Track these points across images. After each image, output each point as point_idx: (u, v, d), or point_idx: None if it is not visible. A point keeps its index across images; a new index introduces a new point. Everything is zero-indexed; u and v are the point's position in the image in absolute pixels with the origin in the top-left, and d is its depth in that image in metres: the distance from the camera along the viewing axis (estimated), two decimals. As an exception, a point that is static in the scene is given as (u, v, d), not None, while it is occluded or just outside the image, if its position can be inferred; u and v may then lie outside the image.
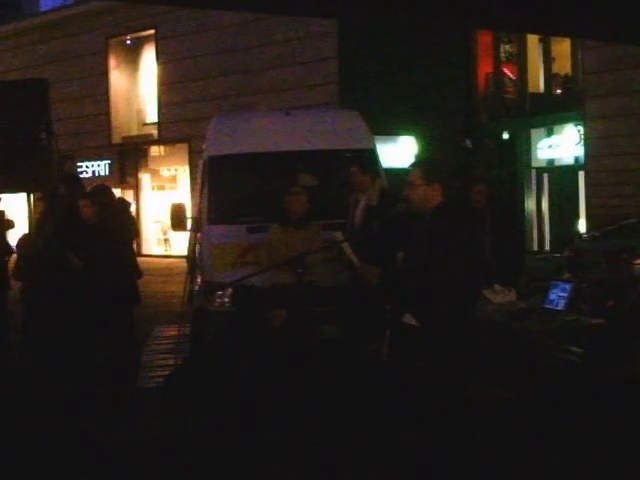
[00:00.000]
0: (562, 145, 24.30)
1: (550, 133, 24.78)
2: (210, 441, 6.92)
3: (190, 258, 10.66)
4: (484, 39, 26.10)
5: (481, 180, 9.02)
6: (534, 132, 25.18)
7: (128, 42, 31.55)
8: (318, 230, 9.08)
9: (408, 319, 5.01)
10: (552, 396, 6.30)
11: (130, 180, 31.29)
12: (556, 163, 24.98)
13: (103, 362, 9.28)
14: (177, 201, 11.40)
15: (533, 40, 24.89)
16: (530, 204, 25.04)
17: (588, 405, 6.10)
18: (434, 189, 5.13)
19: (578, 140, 23.41)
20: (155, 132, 30.92)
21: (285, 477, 6.12)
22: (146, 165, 31.39)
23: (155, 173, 31.45)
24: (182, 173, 29.88)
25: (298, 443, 6.71)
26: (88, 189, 10.72)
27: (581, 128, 23.13)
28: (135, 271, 9.99)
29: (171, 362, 10.24)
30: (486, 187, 8.79)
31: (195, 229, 10.26)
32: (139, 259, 10.90)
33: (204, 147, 11.05)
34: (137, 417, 7.89)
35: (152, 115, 31.40)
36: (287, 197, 9.11)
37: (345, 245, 5.69)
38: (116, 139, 31.73)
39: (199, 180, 10.95)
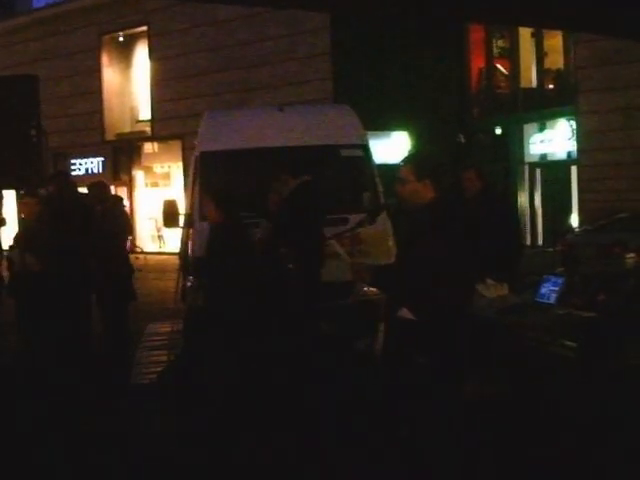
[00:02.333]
0: (554, 140, 24.32)
1: (542, 128, 24.80)
2: (204, 438, 6.94)
3: (183, 255, 10.67)
4: (477, 34, 26.11)
5: (472, 167, 8.74)
6: (527, 127, 25.19)
7: (121, 39, 31.51)
8: None
9: (404, 313, 5.00)
10: (546, 390, 6.31)
11: (123, 177, 31.29)
12: (549, 158, 24.99)
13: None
14: (169, 197, 11.39)
15: (525, 35, 24.89)
16: (523, 199, 25.06)
17: (582, 399, 6.11)
18: (425, 185, 5.10)
19: (570, 135, 23.45)
20: (148, 129, 30.92)
21: (281, 475, 6.11)
22: (139, 162, 31.37)
23: (148, 170, 31.42)
24: (175, 170, 29.87)
25: (294, 440, 6.72)
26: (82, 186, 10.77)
27: (573, 123, 23.18)
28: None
29: (164, 358, 10.24)
30: (477, 174, 8.52)
31: (187, 225, 10.26)
32: (133, 256, 10.91)
33: (196, 143, 11.04)
34: (131, 413, 7.86)
35: (145, 112, 31.37)
36: (270, 193, 9.13)
37: (333, 242, 5.68)
38: (109, 136, 31.72)
39: (191, 176, 10.95)
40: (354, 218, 8.03)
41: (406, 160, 5.38)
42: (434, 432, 4.99)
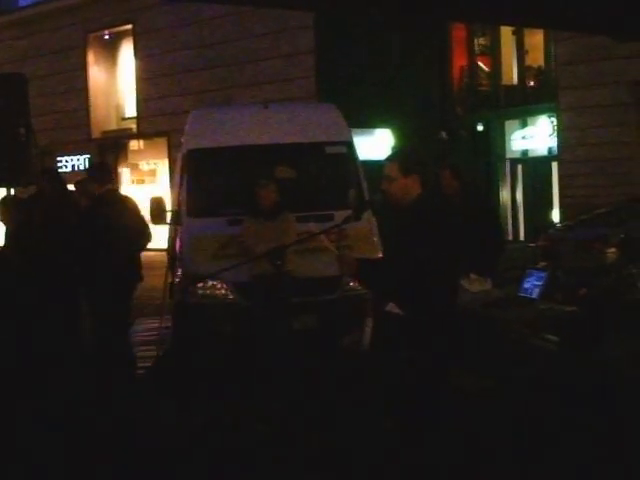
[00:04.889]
0: (536, 136, 24.49)
1: (524, 124, 24.99)
2: (193, 432, 7.00)
3: (170, 251, 10.74)
4: (458, 33, 26.20)
5: (447, 167, 8.67)
6: (508, 124, 25.38)
7: (106, 37, 31.53)
8: (291, 221, 9.18)
9: (391, 308, 5.05)
10: (529, 382, 6.43)
11: (110, 174, 31.26)
12: (530, 154, 25.16)
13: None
14: (157, 194, 11.45)
15: (506, 33, 25.01)
16: (505, 194, 25.22)
17: (563, 391, 6.22)
18: (413, 181, 5.12)
19: (551, 131, 23.60)
20: (134, 126, 30.93)
21: (269, 468, 6.16)
22: (126, 159, 31.40)
23: (135, 167, 31.46)
24: (161, 167, 29.92)
25: (282, 432, 6.81)
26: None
27: (554, 119, 23.31)
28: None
29: (153, 354, 10.25)
30: (452, 174, 8.47)
31: (175, 222, 10.32)
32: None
33: (182, 140, 11.12)
34: (121, 408, 7.88)
35: (131, 109, 31.38)
36: (255, 189, 9.24)
37: (322, 237, 5.78)
38: (95, 134, 31.71)
39: (178, 173, 11.02)
40: (339, 214, 8.09)
41: (391, 157, 5.41)
42: (420, 424, 5.05)
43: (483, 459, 5.65)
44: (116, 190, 9.06)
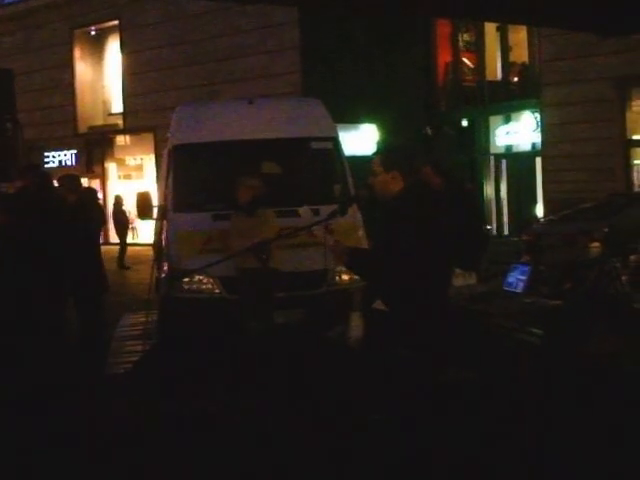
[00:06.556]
0: (520, 132, 24.62)
1: (508, 120, 25.10)
2: (180, 427, 7.03)
3: (157, 246, 10.77)
4: (443, 28, 26.32)
5: (428, 164, 8.35)
6: (492, 119, 25.49)
7: (92, 33, 31.54)
8: (269, 216, 9.22)
9: (378, 305, 5.09)
10: (514, 376, 6.48)
11: (96, 169, 31.31)
12: (514, 149, 25.29)
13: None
14: (143, 190, 11.47)
15: (491, 29, 25.13)
16: (489, 190, 25.34)
17: (548, 384, 6.27)
18: (393, 176, 5.17)
19: (535, 127, 23.73)
20: (120, 122, 30.92)
21: (256, 462, 6.20)
22: (112, 154, 31.42)
23: (121, 162, 31.48)
24: (148, 162, 29.93)
25: (270, 427, 6.85)
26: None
27: (538, 115, 23.45)
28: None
29: (139, 348, 10.26)
30: (433, 170, 8.22)
31: (161, 217, 10.35)
32: (107, 247, 10.85)
33: (168, 136, 11.16)
34: (106, 403, 7.88)
35: (117, 105, 31.40)
36: (235, 185, 9.29)
37: (315, 228, 5.83)
38: (82, 129, 31.70)
39: (164, 169, 11.05)
40: (325, 209, 8.12)
41: (376, 152, 5.51)
42: (411, 416, 5.08)
43: (472, 452, 5.70)
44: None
